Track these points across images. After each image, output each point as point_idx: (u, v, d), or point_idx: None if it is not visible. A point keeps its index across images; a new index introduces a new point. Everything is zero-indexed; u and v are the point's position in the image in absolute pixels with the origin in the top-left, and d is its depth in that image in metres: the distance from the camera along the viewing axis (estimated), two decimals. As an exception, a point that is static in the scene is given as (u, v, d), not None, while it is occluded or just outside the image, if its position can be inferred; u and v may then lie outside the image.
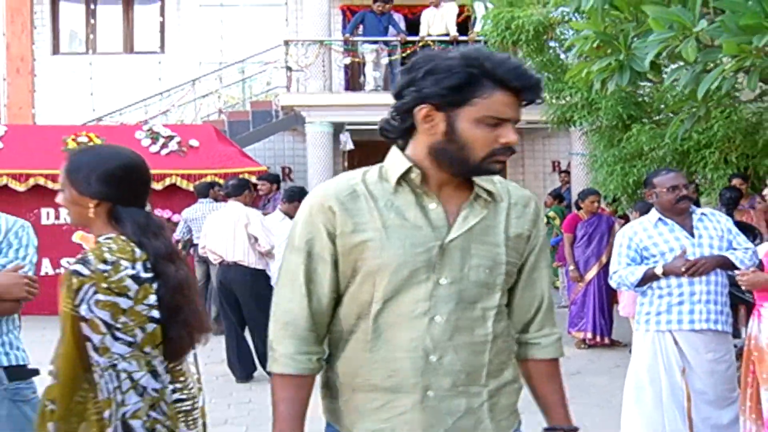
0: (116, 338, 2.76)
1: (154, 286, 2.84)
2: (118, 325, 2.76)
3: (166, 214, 12.71)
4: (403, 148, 2.48)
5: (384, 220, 2.37)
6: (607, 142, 11.85)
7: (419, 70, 2.38)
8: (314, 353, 2.44)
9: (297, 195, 9.74)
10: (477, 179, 2.43)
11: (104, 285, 2.75)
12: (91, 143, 12.59)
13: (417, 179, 2.40)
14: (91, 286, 2.74)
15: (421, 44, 15.72)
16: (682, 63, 7.48)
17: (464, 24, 16.24)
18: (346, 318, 2.43)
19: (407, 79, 2.41)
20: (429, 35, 15.85)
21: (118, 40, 19.71)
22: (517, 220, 2.50)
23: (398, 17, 16.56)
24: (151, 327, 2.82)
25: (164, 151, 13.05)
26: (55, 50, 19.57)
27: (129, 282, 2.79)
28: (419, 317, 2.35)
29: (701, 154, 10.86)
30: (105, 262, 2.78)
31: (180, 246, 12.34)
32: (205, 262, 11.42)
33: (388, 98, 11.23)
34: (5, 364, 3.57)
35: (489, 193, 2.45)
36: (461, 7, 15.10)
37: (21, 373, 3.62)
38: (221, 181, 12.44)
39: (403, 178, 2.41)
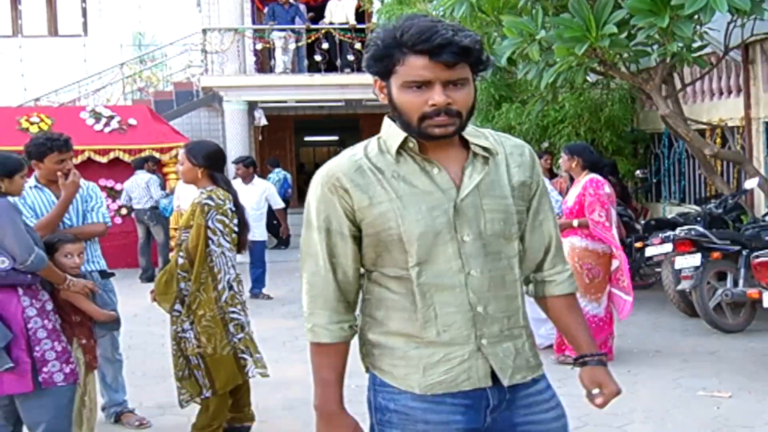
0: (224, 238, 5.21)
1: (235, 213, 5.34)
2: (225, 231, 5.21)
3: (110, 183, 14.66)
4: (393, 119, 2.50)
5: (396, 190, 2.41)
6: (483, 118, 14.12)
7: (365, 45, 2.48)
8: (346, 321, 2.53)
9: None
10: (470, 138, 2.48)
11: (219, 210, 5.19)
12: (42, 122, 14.43)
13: (415, 147, 2.44)
14: (213, 210, 5.15)
15: (323, 32, 17.99)
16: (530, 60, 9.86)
17: (363, 13, 18.36)
18: (386, 283, 2.50)
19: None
20: (331, 23, 18.09)
21: (42, 24, 21.24)
22: (517, 169, 2.54)
23: (303, 8, 18.70)
24: (234, 235, 5.33)
25: (107, 129, 14.88)
26: (-17, 33, 20.98)
27: (228, 210, 5.24)
28: (456, 274, 2.42)
29: (557, 128, 13.38)
30: (219, 198, 5.24)
31: (125, 211, 14.42)
32: (142, 222, 13.60)
33: (295, 79, 14.52)
34: (99, 269, 5.78)
35: (485, 149, 2.49)
36: (359, 1, 17.30)
37: (106, 274, 5.87)
38: (156, 155, 14.52)
39: (402, 147, 2.45)
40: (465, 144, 2.49)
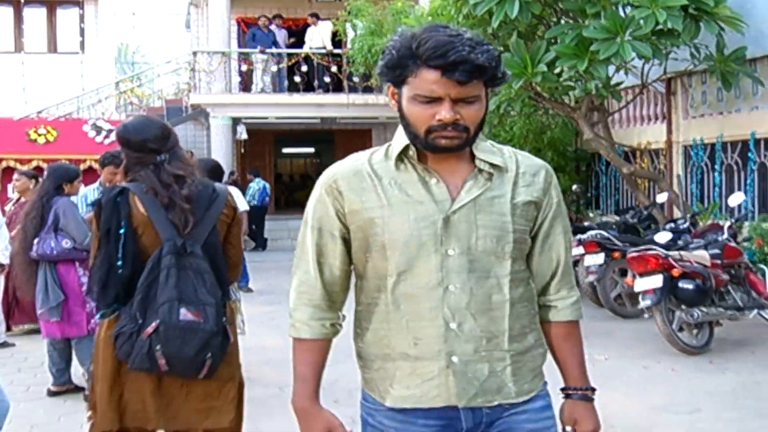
0: None
1: None
2: None
3: (109, 189, 16.30)
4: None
5: (388, 198, 2.39)
6: None
7: (382, 51, 2.42)
8: (328, 319, 2.53)
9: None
10: (479, 153, 2.42)
11: None
12: (49, 134, 16.13)
13: (414, 156, 2.40)
14: None
15: (302, 55, 19.82)
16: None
17: (339, 40, 19.95)
18: (369, 291, 2.48)
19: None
20: (310, 48, 19.89)
21: (42, 41, 22.88)
22: (525, 189, 2.46)
23: (283, 32, 20.54)
24: None
25: (106, 141, 16.43)
26: (-13, 49, 22.54)
27: None
28: (434, 287, 2.36)
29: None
30: None
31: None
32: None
33: (276, 98, 16.87)
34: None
35: (493, 165, 2.42)
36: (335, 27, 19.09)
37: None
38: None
39: (404, 155, 2.42)
40: (473, 158, 2.43)
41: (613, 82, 11.18)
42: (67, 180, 6.52)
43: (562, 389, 2.60)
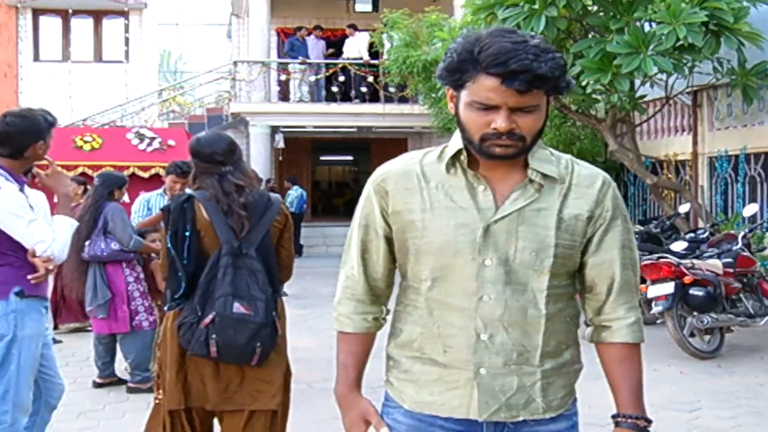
0: None
1: None
2: None
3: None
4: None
5: (431, 201, 2.35)
6: None
7: (445, 53, 2.33)
8: (370, 313, 2.55)
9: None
10: (533, 161, 2.34)
11: None
12: (95, 141, 16.75)
13: (464, 162, 2.34)
14: None
15: (340, 66, 20.33)
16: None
17: (376, 51, 20.39)
18: (408, 293, 2.46)
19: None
20: (347, 58, 20.41)
21: (89, 51, 23.63)
22: (576, 201, 2.35)
23: (321, 44, 21.10)
24: None
25: (149, 149, 17.07)
26: (36, 58, 23.37)
27: None
28: (468, 296, 2.31)
29: (537, 157, 15.53)
30: None
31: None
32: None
33: (314, 107, 17.59)
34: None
35: (545, 176, 2.33)
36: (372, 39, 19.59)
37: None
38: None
39: (455, 159, 2.36)
40: (526, 166, 2.35)
41: (638, 95, 11.53)
42: (118, 187, 7.07)
43: (613, 416, 2.45)
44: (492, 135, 2.23)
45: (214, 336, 4.05)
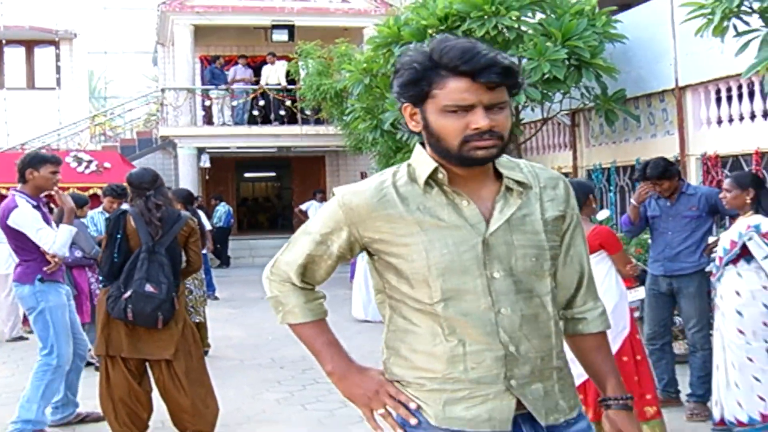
0: None
1: None
2: None
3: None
4: (426, 145, 2.35)
5: (420, 224, 2.28)
6: (385, 162, 16.80)
7: (395, 71, 2.33)
8: (321, 298, 2.53)
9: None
10: (503, 170, 2.34)
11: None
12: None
13: (445, 179, 2.30)
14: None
15: (260, 91, 21.94)
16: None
17: (293, 79, 21.79)
18: (410, 316, 2.36)
19: (392, 81, 2.36)
20: (267, 84, 22.03)
21: (22, 78, 24.76)
22: (551, 203, 2.40)
23: (249, 71, 22.59)
24: None
25: (87, 171, 18.44)
26: (-30, 86, 24.29)
27: None
28: (486, 312, 2.27)
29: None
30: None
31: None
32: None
33: (237, 130, 19.60)
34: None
35: (519, 182, 2.34)
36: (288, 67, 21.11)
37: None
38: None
39: (431, 178, 2.31)
40: (498, 177, 2.36)
41: (520, 117, 13.33)
42: (80, 206, 8.71)
43: (601, 401, 2.51)
44: (473, 136, 2.22)
45: (130, 306, 5.72)
